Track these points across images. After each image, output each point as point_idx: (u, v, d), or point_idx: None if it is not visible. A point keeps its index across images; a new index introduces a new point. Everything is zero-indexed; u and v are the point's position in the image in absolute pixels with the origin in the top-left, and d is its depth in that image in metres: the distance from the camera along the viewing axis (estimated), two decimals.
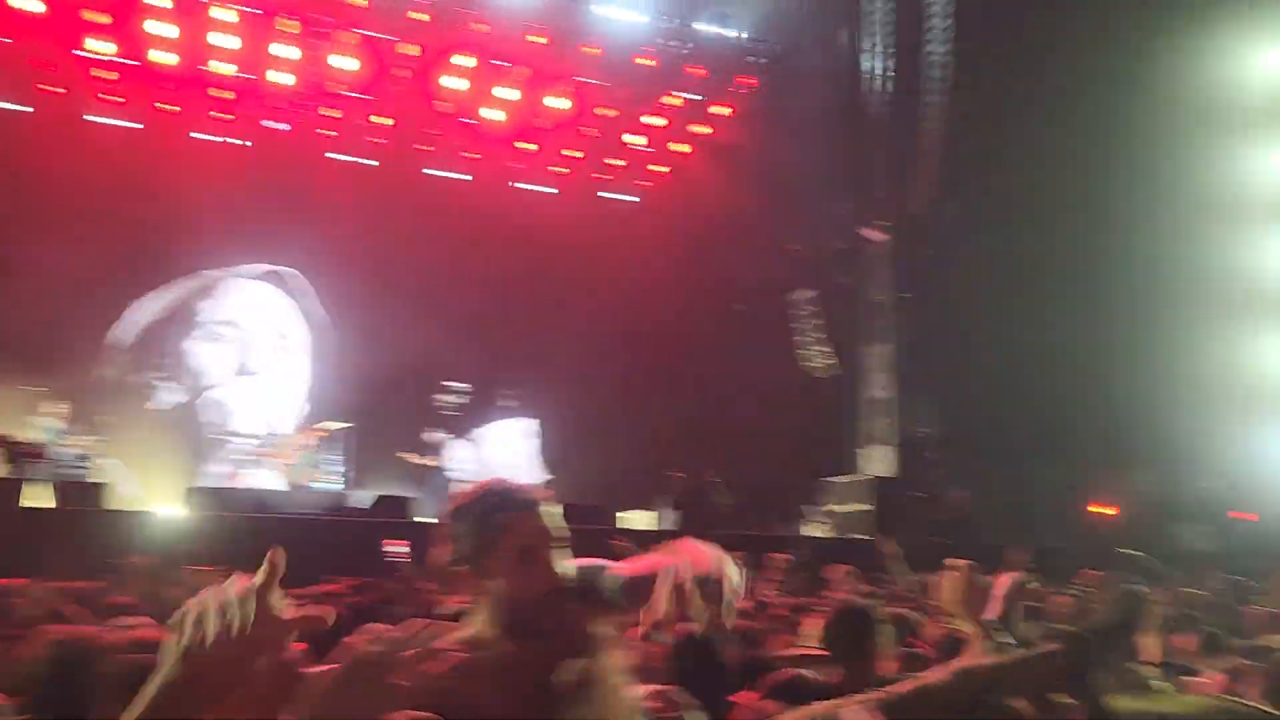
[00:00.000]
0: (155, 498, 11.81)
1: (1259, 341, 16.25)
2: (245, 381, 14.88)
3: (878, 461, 14.69)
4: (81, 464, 11.34)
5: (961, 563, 2.76)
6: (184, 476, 12.81)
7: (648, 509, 12.89)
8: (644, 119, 16.87)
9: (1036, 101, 14.48)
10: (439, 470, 13.12)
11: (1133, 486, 14.81)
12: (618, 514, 12.15)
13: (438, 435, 13.34)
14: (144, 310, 14.15)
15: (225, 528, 9.68)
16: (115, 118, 14.43)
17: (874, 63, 15.24)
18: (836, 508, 13.56)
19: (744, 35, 16.00)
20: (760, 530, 12.42)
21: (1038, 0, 14.24)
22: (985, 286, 14.67)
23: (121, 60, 14.29)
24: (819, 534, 13.48)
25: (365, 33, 15.06)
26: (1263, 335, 16.31)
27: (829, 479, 13.96)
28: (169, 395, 14.21)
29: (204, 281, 14.76)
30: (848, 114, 15.65)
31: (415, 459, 13.18)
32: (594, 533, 11.13)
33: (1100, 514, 13.92)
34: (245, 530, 9.61)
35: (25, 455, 10.94)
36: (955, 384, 14.76)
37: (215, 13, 14.32)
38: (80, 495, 10.38)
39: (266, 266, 15.09)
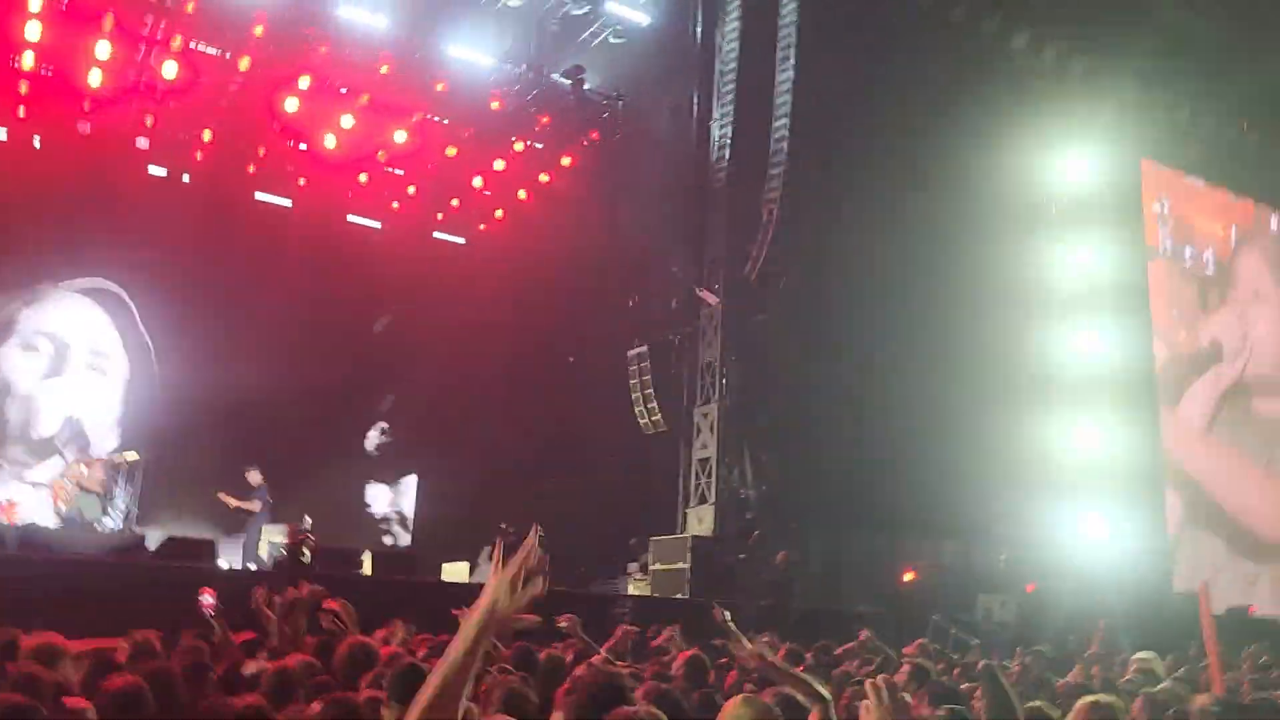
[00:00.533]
0: None
1: (1047, 423, 17.42)
2: (53, 392, 13.53)
3: (700, 521, 14.71)
4: None
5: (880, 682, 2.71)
6: None
7: (470, 561, 12.36)
8: (488, 162, 16.56)
9: (867, 184, 15.16)
10: (257, 514, 12.20)
11: (938, 555, 15.47)
12: (443, 565, 11.62)
13: (256, 475, 12.41)
14: None
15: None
16: None
17: (720, 128, 15.55)
18: (657, 566, 13.44)
19: (592, 88, 16.01)
20: (574, 587, 12.10)
21: (875, 90, 14.97)
22: (811, 354, 15.09)
23: None
24: (638, 592, 13.31)
25: (197, 44, 14.15)
26: (1051, 418, 17.51)
27: (654, 537, 13.84)
28: None
29: (28, 293, 13.52)
30: (690, 175, 15.90)
31: (232, 500, 12.22)
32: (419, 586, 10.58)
33: (909, 581, 14.40)
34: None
35: None
36: (777, 447, 15.05)
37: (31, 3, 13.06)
38: None
39: (92, 281, 13.87)
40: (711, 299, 15.37)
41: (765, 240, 14.72)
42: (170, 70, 13.89)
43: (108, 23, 13.28)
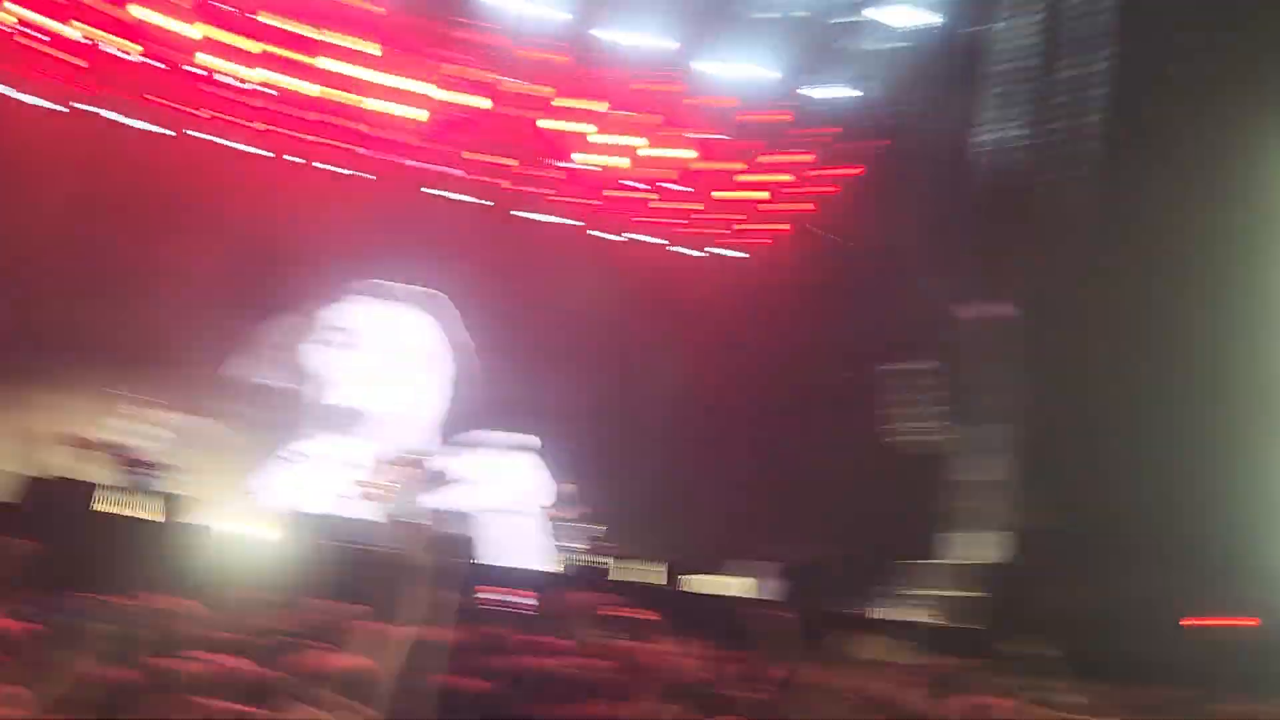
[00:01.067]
0: (243, 517, 11.80)
1: None
2: (367, 394, 15.02)
3: (979, 547, 13.93)
4: (170, 476, 11.44)
5: None
6: (280, 495, 12.91)
7: (731, 575, 12.45)
8: (761, 176, 16.66)
9: (1176, 187, 13.73)
10: None
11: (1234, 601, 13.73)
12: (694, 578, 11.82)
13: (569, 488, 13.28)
14: (271, 325, 14.47)
15: (328, 558, 9.49)
16: (253, 145, 14.86)
17: (1007, 132, 14.70)
18: (934, 592, 12.89)
19: (872, 98, 15.67)
20: (837, 608, 11.81)
21: (1176, 91, 13.54)
22: (1104, 374, 13.90)
23: (260, 88, 14.73)
24: (908, 619, 12.82)
25: (489, 73, 15.25)
26: None
27: (927, 562, 13.28)
28: (285, 400, 14.40)
29: (333, 297, 15.05)
30: (980, 182, 15.12)
31: None
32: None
33: (1199, 628, 12.89)
34: (348, 563, 9.31)
35: (132, 464, 11.14)
36: (1067, 471, 13.98)
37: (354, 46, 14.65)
38: (172, 509, 10.45)
39: (408, 286, 15.32)
40: (997, 312, 14.54)
41: (1058, 250, 13.73)
42: (482, 102, 15.09)
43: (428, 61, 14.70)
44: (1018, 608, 12.37)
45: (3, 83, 13.34)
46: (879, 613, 12.63)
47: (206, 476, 11.90)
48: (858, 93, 16.09)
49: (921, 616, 12.72)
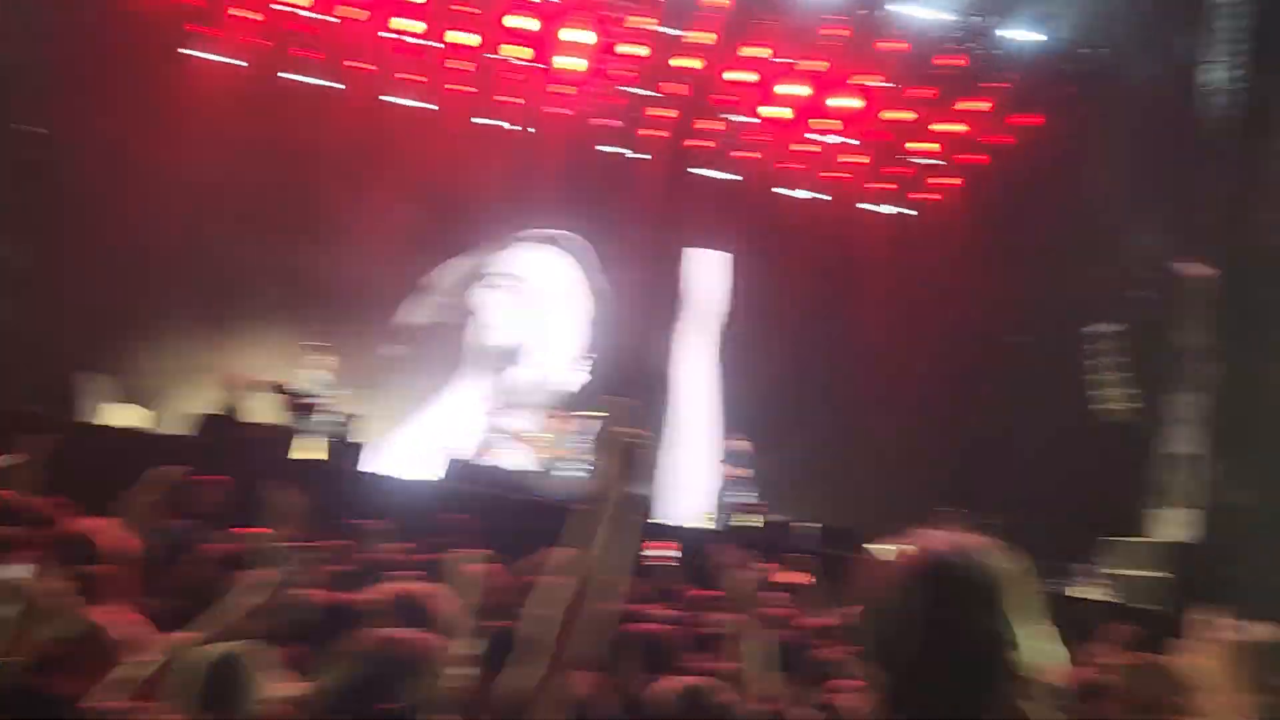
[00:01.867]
0: (411, 465, 11.98)
1: None
2: (529, 338, 15.01)
3: (1175, 525, 12.88)
4: (346, 422, 11.68)
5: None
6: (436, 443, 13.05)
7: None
8: (938, 126, 15.75)
9: None
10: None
11: None
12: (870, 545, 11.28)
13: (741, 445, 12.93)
14: (438, 273, 14.61)
15: (479, 504, 9.49)
16: (413, 99, 14.94)
17: (1219, 74, 13.36)
18: (1124, 570, 11.98)
19: (1059, 40, 14.56)
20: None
21: None
22: None
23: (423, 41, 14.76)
24: (1097, 597, 11.96)
25: (651, 24, 14.84)
26: None
27: (1113, 538, 12.35)
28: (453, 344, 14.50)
29: (497, 244, 15.11)
30: (1178, 130, 13.84)
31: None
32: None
33: None
34: (502, 510, 9.37)
35: (299, 406, 11.40)
36: (1272, 446, 12.75)
37: None
38: (343, 453, 10.68)
39: (552, 230, 15.26)
40: (1202, 271, 13.32)
41: (1269, 204, 12.43)
42: (634, 49, 14.78)
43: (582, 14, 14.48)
44: (1211, 588, 11.37)
45: (200, 46, 13.87)
46: (1068, 589, 11.84)
47: (374, 419, 12.12)
48: (1042, 36, 14.99)
49: (1109, 594, 11.86)
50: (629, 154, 15.66)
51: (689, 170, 15.91)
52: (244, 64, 14.08)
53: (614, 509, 2.21)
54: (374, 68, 14.61)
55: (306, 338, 12.31)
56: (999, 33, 14.82)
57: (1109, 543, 12.43)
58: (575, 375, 14.82)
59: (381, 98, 14.63)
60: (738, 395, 14.65)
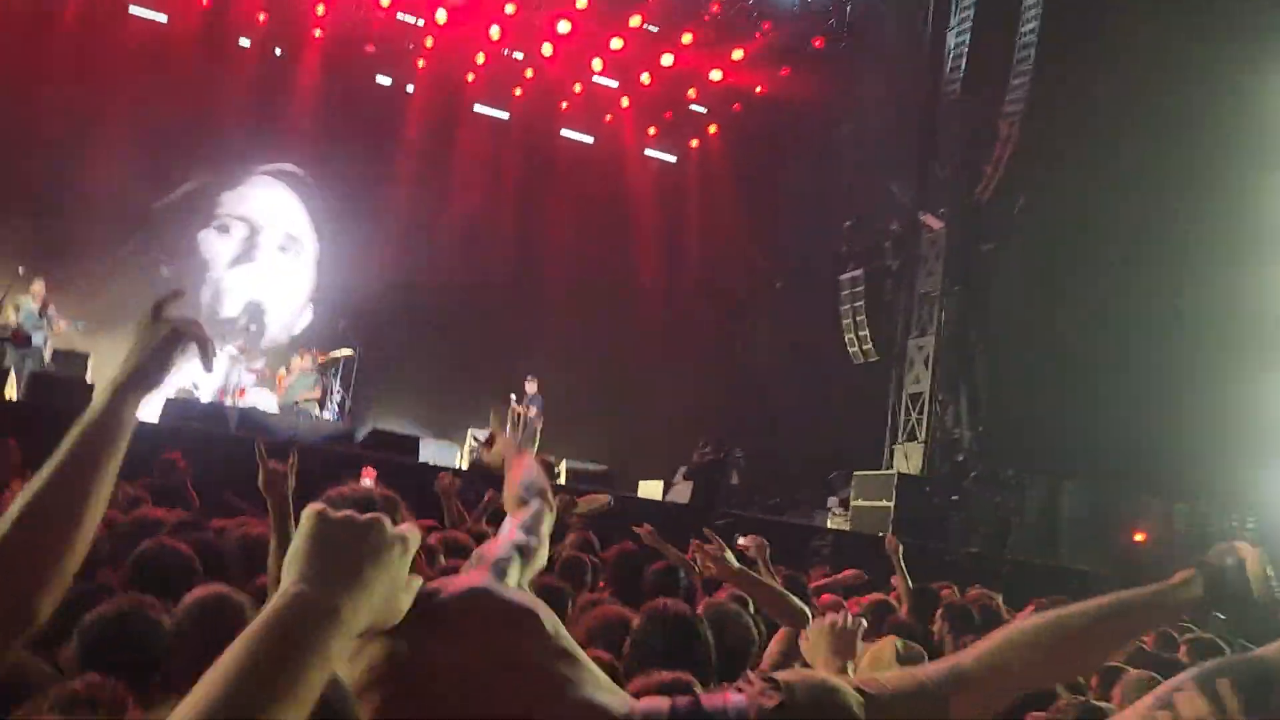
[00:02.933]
0: None
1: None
2: (250, 276, 14.09)
3: (908, 458, 13.89)
4: (53, 354, 10.53)
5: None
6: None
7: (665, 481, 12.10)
8: (703, 73, 15.96)
9: (1119, 105, 13.50)
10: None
11: (1170, 517, 14.00)
12: (640, 482, 11.46)
13: (533, 384, 12.64)
14: (160, 201, 13.45)
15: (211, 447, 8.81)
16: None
17: (956, 36, 14.26)
18: (860, 502, 12.77)
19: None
20: (769, 515, 11.70)
21: (1131, 8, 13.19)
22: (1039, 291, 13.82)
23: None
24: (837, 527, 12.70)
25: None
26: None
27: (858, 472, 13.14)
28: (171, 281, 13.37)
29: (222, 176, 14.02)
30: (919, 88, 14.70)
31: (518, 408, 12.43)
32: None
33: (1139, 542, 13.12)
34: (236, 455, 8.70)
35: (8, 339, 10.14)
36: (995, 386, 13.98)
37: None
38: (48, 389, 9.46)
39: (283, 165, 14.31)
40: (935, 223, 14.30)
41: (1001, 160, 13.45)
42: None
43: None
44: (935, 516, 12.35)
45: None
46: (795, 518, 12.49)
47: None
48: None
49: (835, 524, 12.61)
50: (396, 85, 14.94)
51: (463, 107, 15.36)
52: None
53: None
54: None
55: (18, 266, 10.96)
56: None
57: (851, 475, 13.20)
58: (303, 317, 14.24)
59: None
60: (519, 334, 14.21)
